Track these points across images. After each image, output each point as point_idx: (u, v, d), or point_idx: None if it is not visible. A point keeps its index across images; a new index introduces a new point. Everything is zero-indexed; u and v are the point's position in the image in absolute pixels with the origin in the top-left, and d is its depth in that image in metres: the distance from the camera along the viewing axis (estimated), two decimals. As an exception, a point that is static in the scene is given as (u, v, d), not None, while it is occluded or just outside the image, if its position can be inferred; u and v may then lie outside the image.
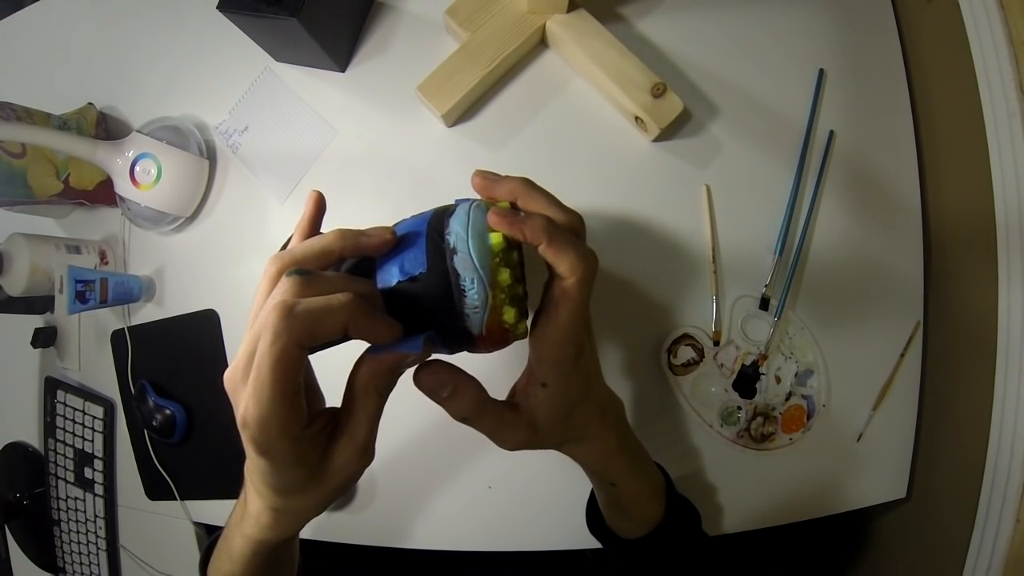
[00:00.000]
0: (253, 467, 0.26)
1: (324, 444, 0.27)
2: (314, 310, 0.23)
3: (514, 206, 0.31)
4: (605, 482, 0.38)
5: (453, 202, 0.31)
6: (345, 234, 0.27)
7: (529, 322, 0.30)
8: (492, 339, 0.28)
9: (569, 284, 0.27)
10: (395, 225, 0.30)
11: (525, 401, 0.31)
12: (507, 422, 0.30)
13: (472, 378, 0.29)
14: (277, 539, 0.31)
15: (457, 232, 0.27)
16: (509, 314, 0.27)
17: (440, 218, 0.28)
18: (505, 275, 0.27)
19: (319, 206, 0.32)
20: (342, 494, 0.28)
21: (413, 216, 0.31)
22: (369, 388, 0.26)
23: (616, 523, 0.42)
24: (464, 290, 0.26)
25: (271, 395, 0.23)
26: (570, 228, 0.30)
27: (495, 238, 0.27)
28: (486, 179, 0.31)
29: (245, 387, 0.24)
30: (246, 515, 0.31)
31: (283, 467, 0.25)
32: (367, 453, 0.27)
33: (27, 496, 0.72)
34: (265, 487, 0.27)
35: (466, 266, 0.26)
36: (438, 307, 0.27)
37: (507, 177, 0.30)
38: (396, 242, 0.28)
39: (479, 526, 0.56)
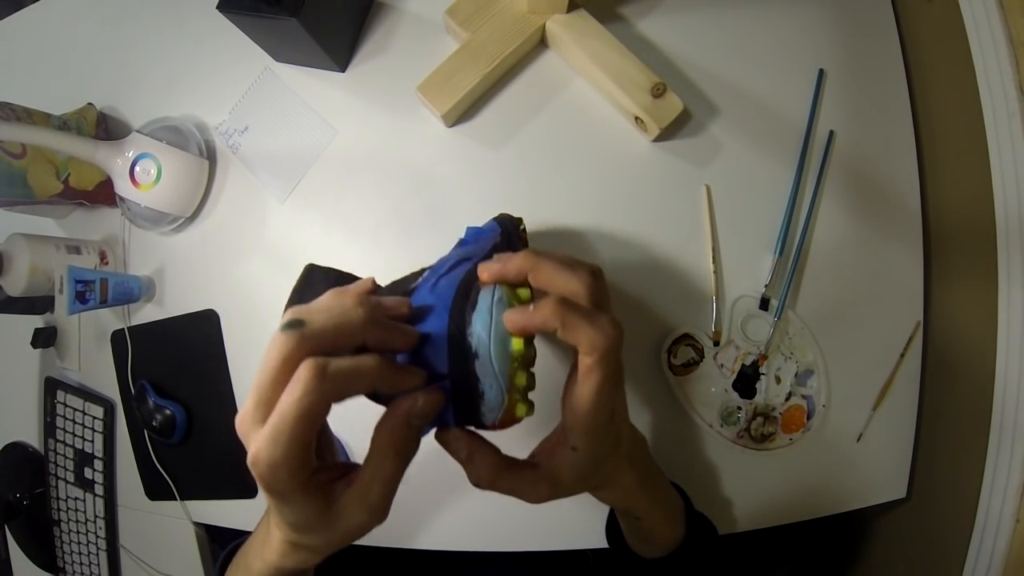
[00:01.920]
0: (270, 505, 0.27)
1: (337, 493, 0.27)
2: (345, 372, 0.24)
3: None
4: (629, 516, 0.39)
5: (470, 258, 0.32)
6: (376, 321, 0.26)
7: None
8: (500, 428, 0.29)
9: (592, 361, 0.27)
10: (416, 282, 0.31)
11: (549, 461, 0.31)
12: (527, 482, 0.30)
13: (489, 447, 0.29)
14: (294, 568, 0.31)
15: (479, 336, 0.27)
16: (521, 410, 0.28)
17: (462, 310, 0.28)
18: (522, 379, 0.28)
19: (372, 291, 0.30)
20: (353, 540, 0.28)
21: (433, 269, 0.31)
22: (387, 448, 0.26)
23: (637, 546, 0.44)
24: (483, 393, 0.27)
25: (287, 442, 0.23)
26: (586, 293, 0.28)
27: (516, 344, 0.27)
28: (492, 272, 0.29)
29: (256, 429, 0.24)
30: (268, 540, 0.31)
31: (290, 507, 0.26)
32: (376, 513, 0.26)
33: (27, 496, 0.72)
34: (279, 520, 0.28)
35: (486, 372, 0.27)
36: (456, 403, 0.27)
37: (512, 257, 0.29)
38: (415, 314, 0.29)
39: (480, 526, 0.56)
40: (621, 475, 0.35)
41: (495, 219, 0.46)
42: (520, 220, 0.46)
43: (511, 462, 0.30)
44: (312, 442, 0.24)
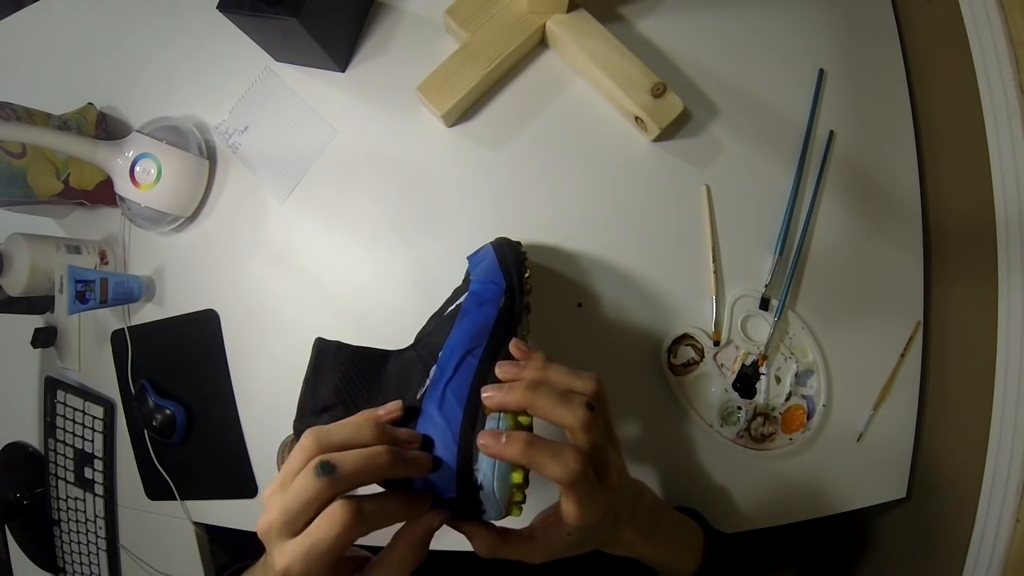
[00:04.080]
0: None
1: None
2: (375, 514, 0.28)
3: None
4: (641, 559, 0.41)
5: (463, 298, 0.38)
6: (399, 462, 0.30)
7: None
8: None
9: (563, 489, 0.31)
10: (423, 386, 0.34)
11: (546, 535, 0.34)
12: (524, 553, 0.34)
13: (486, 529, 0.33)
14: None
15: (485, 473, 0.31)
16: (515, 514, 0.32)
17: (469, 443, 0.32)
18: (519, 496, 0.32)
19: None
20: None
21: (439, 366, 0.35)
22: (407, 553, 0.30)
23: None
24: (484, 511, 0.32)
25: (319, 565, 0.27)
26: (580, 428, 0.31)
27: (516, 477, 0.31)
28: (495, 402, 0.32)
29: (282, 542, 0.28)
30: None
31: None
32: None
33: (27, 496, 0.72)
34: None
35: (489, 500, 0.31)
36: (462, 516, 0.32)
37: (513, 388, 0.32)
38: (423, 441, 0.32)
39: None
40: (620, 535, 0.37)
41: (492, 246, 0.46)
42: (519, 247, 0.46)
43: (507, 536, 0.34)
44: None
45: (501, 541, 0.33)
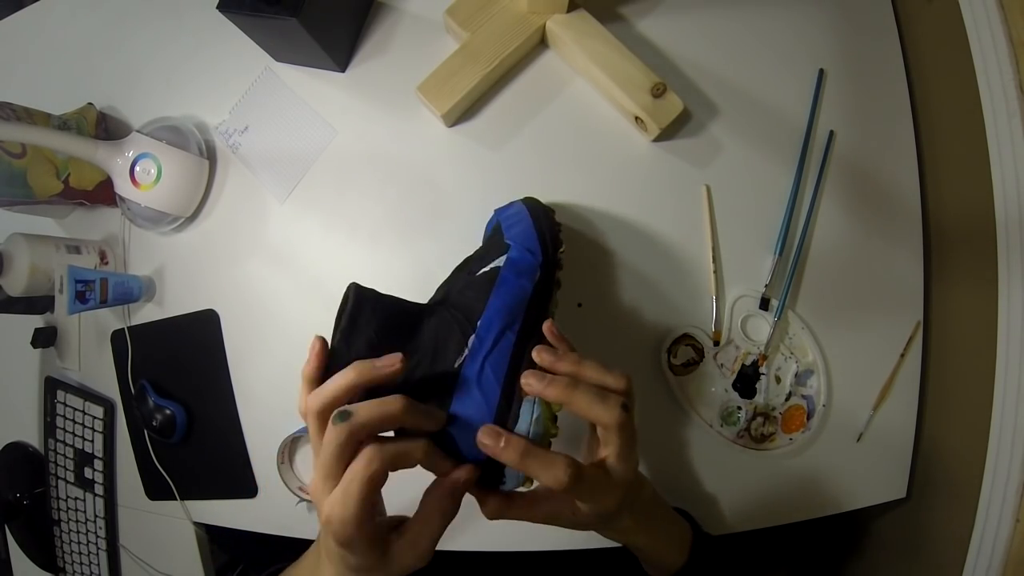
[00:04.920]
0: (333, 552, 0.32)
1: (391, 542, 0.33)
2: (400, 453, 0.31)
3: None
4: (629, 546, 0.43)
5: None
6: (410, 410, 0.32)
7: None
8: None
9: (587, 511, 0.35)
10: (462, 353, 0.35)
11: (548, 501, 0.37)
12: (527, 515, 0.37)
13: (496, 493, 0.36)
14: None
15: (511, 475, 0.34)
16: (528, 485, 0.35)
17: (504, 420, 0.34)
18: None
19: (323, 357, 0.35)
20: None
21: (478, 336, 0.36)
22: (436, 511, 0.33)
23: (644, 564, 0.46)
24: (504, 482, 0.35)
25: (357, 502, 0.29)
26: (615, 426, 0.33)
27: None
28: (533, 390, 0.33)
29: (325, 496, 0.30)
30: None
31: (354, 555, 0.31)
32: (424, 558, 0.33)
33: (27, 496, 0.72)
34: (342, 567, 0.33)
35: (511, 474, 0.34)
36: (483, 483, 0.35)
37: (553, 381, 0.33)
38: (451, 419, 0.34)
39: (481, 526, 0.56)
40: (620, 521, 0.38)
41: (527, 208, 0.46)
42: (554, 217, 0.46)
43: (512, 500, 0.36)
44: (374, 503, 0.31)
45: (507, 505, 0.36)
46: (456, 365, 0.35)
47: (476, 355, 0.35)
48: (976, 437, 0.48)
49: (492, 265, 0.40)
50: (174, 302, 0.65)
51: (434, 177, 0.59)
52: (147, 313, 0.67)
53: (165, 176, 0.59)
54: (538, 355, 0.35)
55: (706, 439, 0.54)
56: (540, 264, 0.41)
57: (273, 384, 0.61)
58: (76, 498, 0.68)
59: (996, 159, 0.46)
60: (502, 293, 0.38)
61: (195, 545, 0.65)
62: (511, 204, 0.49)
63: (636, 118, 0.54)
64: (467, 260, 0.43)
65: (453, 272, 0.43)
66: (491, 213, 0.51)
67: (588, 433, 0.38)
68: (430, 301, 0.40)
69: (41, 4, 0.76)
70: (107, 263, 0.67)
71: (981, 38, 0.46)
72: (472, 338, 0.35)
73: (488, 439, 0.32)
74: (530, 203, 0.48)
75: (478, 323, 0.36)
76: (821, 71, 0.56)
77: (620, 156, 0.56)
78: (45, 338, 0.69)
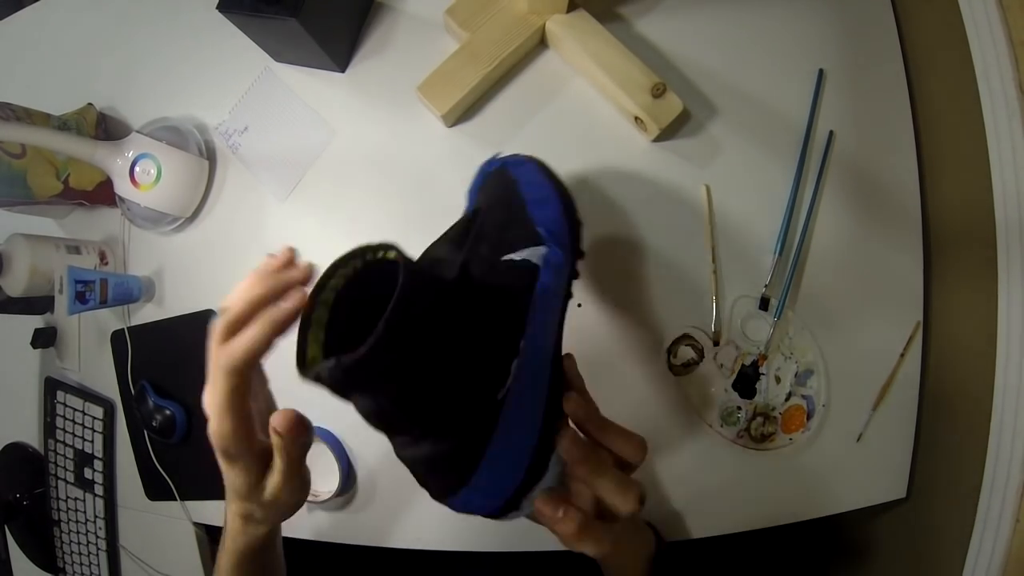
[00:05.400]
0: (225, 479, 0.33)
1: (269, 475, 0.33)
2: (245, 343, 0.32)
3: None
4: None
5: None
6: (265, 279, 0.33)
7: None
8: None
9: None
10: (503, 387, 0.32)
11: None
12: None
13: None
14: (247, 545, 0.37)
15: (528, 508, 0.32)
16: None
17: (536, 472, 0.31)
18: None
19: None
20: (288, 513, 0.35)
21: (522, 362, 0.32)
22: (279, 445, 0.32)
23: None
24: (517, 512, 0.33)
25: (220, 412, 0.30)
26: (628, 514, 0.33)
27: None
28: (569, 455, 0.32)
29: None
30: (224, 534, 0.37)
31: (237, 471, 0.32)
32: (291, 491, 0.33)
33: (27, 496, 0.72)
34: (231, 493, 0.34)
35: (525, 509, 0.32)
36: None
37: (585, 460, 0.32)
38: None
39: (479, 526, 0.55)
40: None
41: (544, 174, 0.41)
42: (575, 208, 0.42)
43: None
44: (245, 412, 0.31)
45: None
46: (499, 397, 0.30)
47: (519, 384, 0.30)
48: (976, 437, 0.48)
49: (523, 256, 0.34)
50: (174, 302, 0.65)
51: (434, 177, 0.59)
52: (147, 313, 0.67)
53: (165, 176, 0.59)
54: (568, 405, 0.33)
55: (706, 439, 0.54)
56: (564, 261, 0.36)
57: (272, 384, 0.61)
58: (76, 498, 0.68)
59: (996, 159, 0.46)
60: (543, 307, 0.33)
61: (195, 545, 0.65)
62: (520, 160, 0.42)
63: (636, 118, 0.54)
64: (475, 222, 0.36)
65: (458, 231, 0.36)
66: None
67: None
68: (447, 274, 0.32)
69: (41, 4, 0.76)
70: (107, 263, 0.67)
71: (981, 38, 0.46)
72: (515, 363, 0.30)
73: (547, 508, 0.30)
74: (550, 174, 0.41)
75: (520, 344, 0.31)
76: (821, 71, 0.56)
77: (620, 156, 0.56)
78: (45, 338, 0.69)
